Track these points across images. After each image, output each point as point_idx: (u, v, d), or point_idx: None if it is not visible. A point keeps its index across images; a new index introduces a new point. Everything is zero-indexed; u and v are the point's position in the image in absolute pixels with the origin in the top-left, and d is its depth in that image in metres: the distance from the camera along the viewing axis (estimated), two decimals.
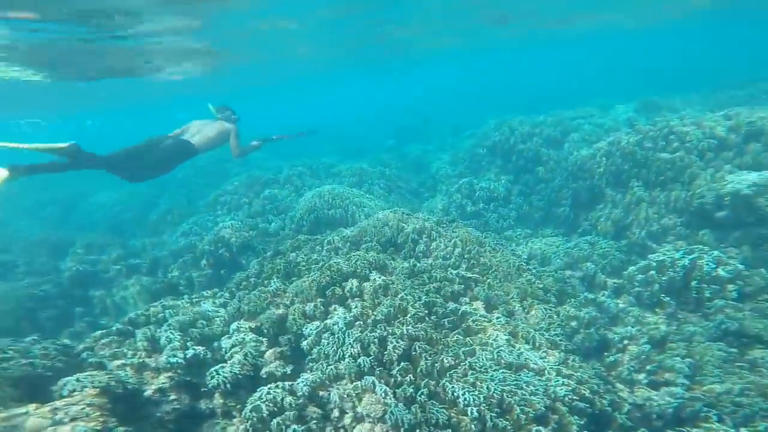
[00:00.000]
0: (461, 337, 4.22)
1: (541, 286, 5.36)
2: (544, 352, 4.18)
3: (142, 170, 5.72)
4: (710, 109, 12.12)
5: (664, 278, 5.30)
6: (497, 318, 4.62)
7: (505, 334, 4.34)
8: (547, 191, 9.52)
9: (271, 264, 5.84)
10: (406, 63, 28.64)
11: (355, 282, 4.92)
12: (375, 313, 4.41)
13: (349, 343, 4.03)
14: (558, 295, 5.80)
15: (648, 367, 4.22)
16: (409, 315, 4.34)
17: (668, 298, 5.17)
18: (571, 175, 8.74)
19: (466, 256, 5.73)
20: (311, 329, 4.47)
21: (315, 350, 4.26)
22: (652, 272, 5.59)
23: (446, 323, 4.45)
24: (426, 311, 4.52)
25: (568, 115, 11.90)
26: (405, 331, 4.09)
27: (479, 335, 4.34)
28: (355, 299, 4.78)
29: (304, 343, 4.43)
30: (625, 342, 4.77)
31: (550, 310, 4.88)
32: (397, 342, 3.96)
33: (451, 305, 4.78)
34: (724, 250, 5.94)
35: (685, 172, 6.78)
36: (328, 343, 4.16)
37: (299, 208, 8.50)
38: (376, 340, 4.01)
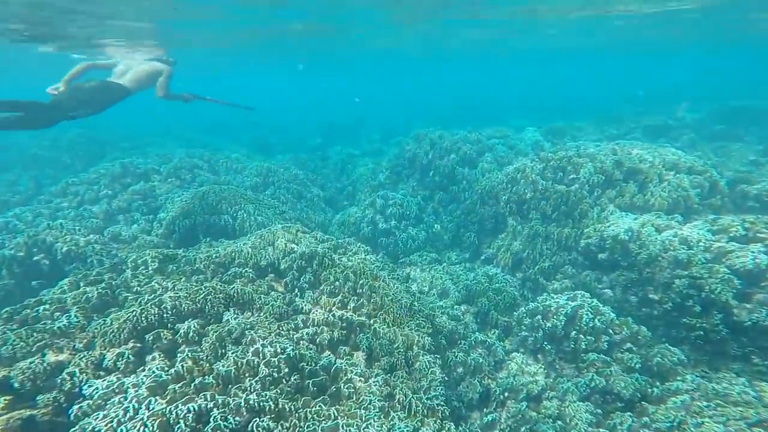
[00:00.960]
0: (324, 407, 3.58)
1: (430, 331, 4.99)
2: (419, 421, 3.74)
3: (72, 107, 5.39)
4: (601, 139, 13.56)
5: (548, 325, 5.30)
6: (375, 376, 4.09)
7: (379, 399, 3.82)
8: (458, 213, 9.45)
9: (83, 288, 4.54)
10: (346, 59, 27.47)
11: (194, 324, 3.95)
12: (211, 370, 3.54)
13: (142, 420, 2.93)
14: (449, 336, 5.54)
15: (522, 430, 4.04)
16: (259, 375, 3.56)
17: (549, 346, 5.18)
18: (480, 199, 8.73)
19: (358, 291, 5.15)
20: (96, 388, 3.28)
21: (84, 424, 3.06)
22: (538, 317, 5.59)
23: (311, 385, 3.77)
24: (288, 369, 3.79)
25: (486, 133, 12.12)
26: (244, 401, 3.29)
27: (350, 401, 3.75)
28: (190, 347, 3.84)
29: (74, 409, 3.22)
30: (506, 394, 4.60)
31: (435, 362, 4.51)
32: (227, 420, 3.12)
33: (325, 358, 4.13)
34: (601, 292, 6.23)
35: (576, 208, 7.05)
36: (106, 417, 3.04)
37: (172, 208, 7.14)
38: (190, 416, 3.03)
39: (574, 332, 5.00)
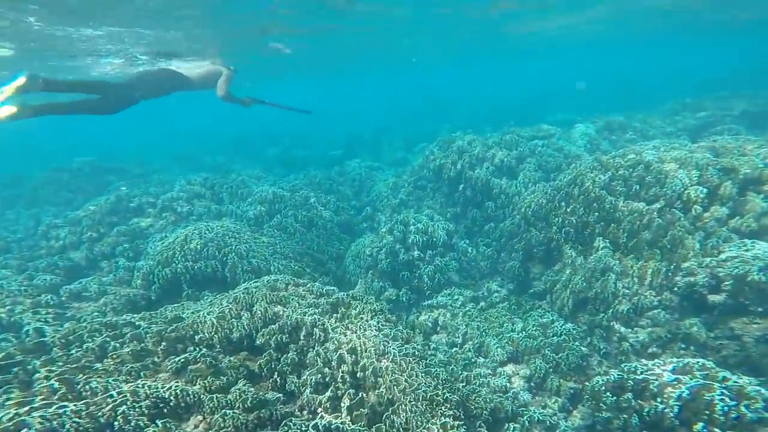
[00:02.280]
0: None
1: (461, 423, 3.39)
2: None
3: (134, 90, 5.43)
4: (678, 133, 11.04)
5: (646, 410, 3.50)
6: None
7: None
8: (497, 234, 7.71)
9: None
10: (368, 66, 26.30)
11: None
12: None
13: None
14: (489, 421, 3.90)
15: None
16: None
17: None
18: (525, 220, 6.95)
19: (358, 375, 3.68)
20: None
21: None
22: (628, 396, 3.81)
23: None
24: None
25: (527, 133, 10.25)
26: None
27: None
28: None
29: None
30: None
31: None
32: None
33: None
34: (717, 348, 4.28)
35: (665, 235, 5.12)
36: None
37: (152, 256, 6.09)
38: None
39: (701, 426, 3.17)
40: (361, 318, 4.35)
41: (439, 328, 6.14)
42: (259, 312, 4.14)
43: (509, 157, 8.86)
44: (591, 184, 6.08)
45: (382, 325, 4.25)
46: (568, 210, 6.09)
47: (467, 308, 6.29)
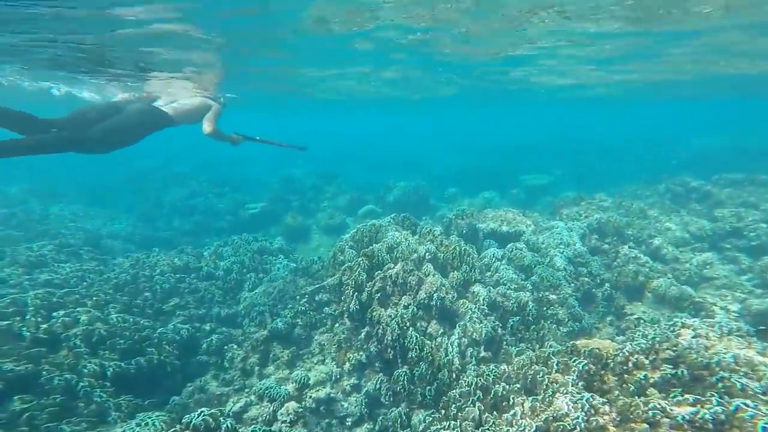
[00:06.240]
0: None
1: None
2: None
3: (104, 135, 4.33)
4: (690, 240, 7.94)
5: None
6: None
7: None
8: None
9: None
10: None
11: None
12: None
13: None
14: None
15: None
16: None
17: None
18: None
19: None
20: None
21: None
22: None
23: None
24: None
25: (482, 221, 6.90)
26: None
27: None
28: None
29: None
30: None
31: None
32: None
33: None
34: None
35: None
36: None
37: None
38: None
39: None
40: None
41: None
42: None
43: (447, 286, 5.39)
44: None
45: None
46: None
47: None
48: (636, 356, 3.10)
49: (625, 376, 3.07)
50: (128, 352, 5.89)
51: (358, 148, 29.28)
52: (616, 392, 3.00)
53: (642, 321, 5.26)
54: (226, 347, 6.16)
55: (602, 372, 3.21)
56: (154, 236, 12.59)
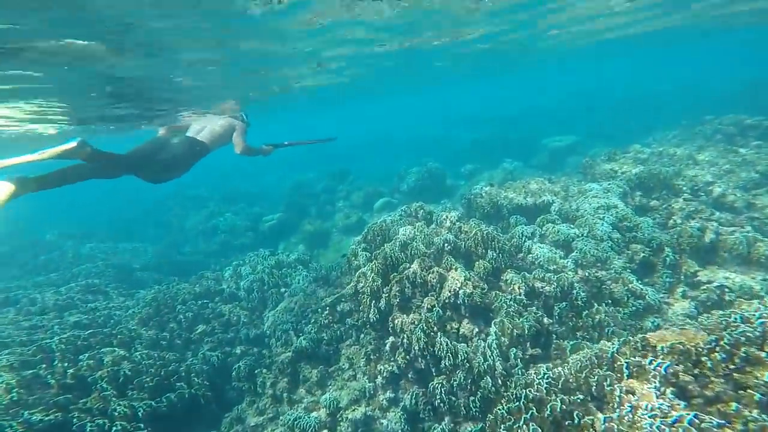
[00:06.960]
0: None
1: None
2: None
3: (157, 172, 4.65)
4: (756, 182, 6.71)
5: None
6: None
7: None
8: None
9: None
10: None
11: None
12: None
13: None
14: None
15: None
16: None
17: None
18: None
19: None
20: None
21: None
22: None
23: None
24: None
25: (502, 192, 6.17)
26: None
27: None
28: None
29: None
30: None
31: None
32: None
33: None
34: None
35: None
36: None
37: None
38: None
39: None
40: None
41: None
42: None
43: (474, 279, 4.78)
44: None
45: None
46: None
47: None
48: (744, 349, 2.38)
49: (735, 375, 2.36)
50: (157, 389, 5.72)
51: (367, 140, 28.55)
52: (732, 404, 2.29)
53: (727, 290, 4.39)
54: (256, 371, 5.87)
55: (696, 372, 2.51)
56: (183, 261, 12.66)
